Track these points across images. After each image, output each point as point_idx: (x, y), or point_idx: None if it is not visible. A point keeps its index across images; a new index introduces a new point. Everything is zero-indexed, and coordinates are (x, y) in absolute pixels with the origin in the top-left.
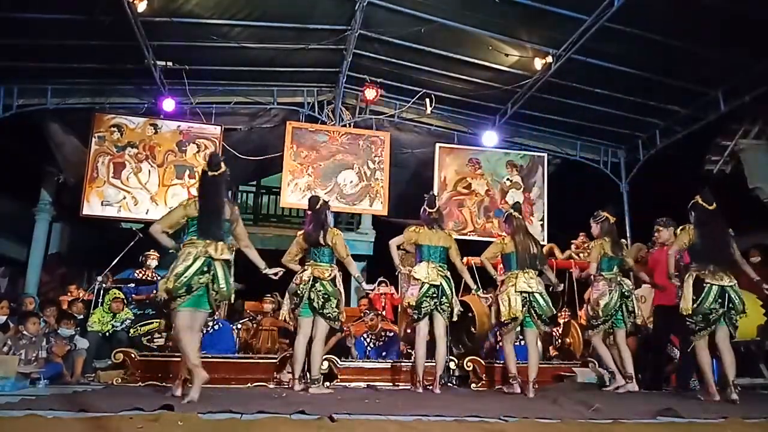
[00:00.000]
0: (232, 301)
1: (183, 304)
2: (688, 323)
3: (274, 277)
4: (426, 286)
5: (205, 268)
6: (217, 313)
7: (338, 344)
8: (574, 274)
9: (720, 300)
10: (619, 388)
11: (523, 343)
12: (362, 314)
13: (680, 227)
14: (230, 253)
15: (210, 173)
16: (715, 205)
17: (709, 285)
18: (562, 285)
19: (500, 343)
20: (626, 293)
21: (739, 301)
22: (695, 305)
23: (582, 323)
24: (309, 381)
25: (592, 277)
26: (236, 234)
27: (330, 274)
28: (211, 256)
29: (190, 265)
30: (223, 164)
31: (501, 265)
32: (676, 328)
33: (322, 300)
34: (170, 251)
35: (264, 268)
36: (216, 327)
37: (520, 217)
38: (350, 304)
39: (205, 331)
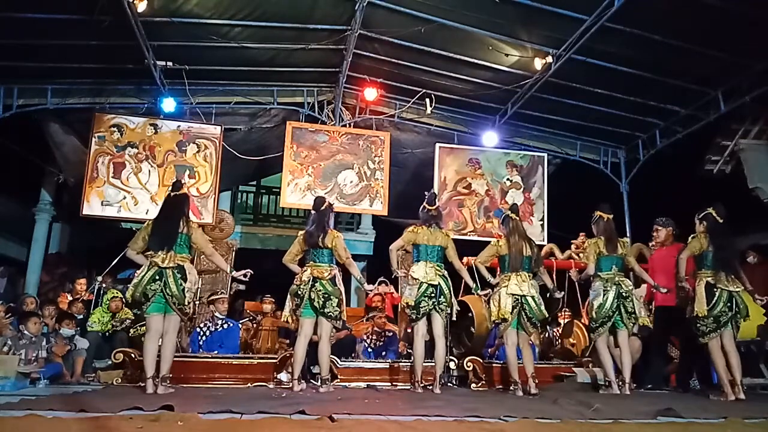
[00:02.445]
0: (185, 302)
1: (148, 311)
2: (699, 326)
3: (244, 279)
4: (424, 285)
5: (157, 277)
6: (216, 312)
7: (339, 344)
8: (572, 275)
9: (729, 304)
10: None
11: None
12: (371, 308)
13: (691, 235)
14: (182, 261)
15: (172, 194)
16: (725, 218)
17: (720, 290)
18: (563, 293)
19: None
20: (624, 293)
21: (744, 306)
22: (708, 308)
23: (586, 323)
24: (319, 381)
25: (591, 277)
26: (196, 245)
27: (329, 274)
28: (158, 265)
29: (143, 276)
30: (184, 187)
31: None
32: (676, 329)
33: (322, 299)
34: None
35: (231, 271)
36: (225, 326)
37: (517, 218)
38: (350, 304)
39: (214, 329)
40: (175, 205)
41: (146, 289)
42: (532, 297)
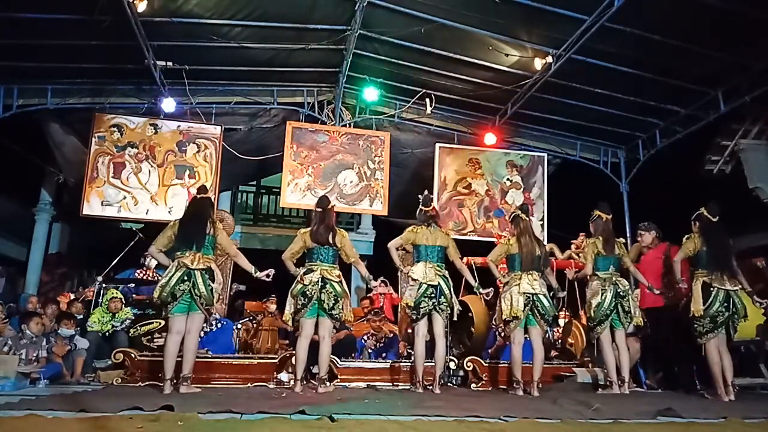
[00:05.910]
0: (213, 303)
1: (173, 311)
2: (696, 326)
3: (267, 279)
4: (424, 286)
5: (185, 278)
6: (215, 313)
7: (339, 344)
8: (568, 275)
9: (726, 304)
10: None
11: (527, 337)
12: (366, 313)
13: (686, 236)
14: (209, 262)
15: (198, 196)
16: (718, 217)
17: (716, 289)
18: (565, 293)
19: (501, 342)
20: (622, 293)
21: (741, 306)
22: (704, 308)
23: (584, 323)
24: (318, 381)
25: (588, 277)
26: (221, 246)
27: (338, 275)
28: (187, 266)
29: (171, 276)
30: (209, 192)
31: (502, 265)
32: (668, 330)
33: (333, 301)
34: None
35: (255, 272)
36: (219, 325)
37: (527, 219)
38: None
39: (209, 329)
40: (202, 207)
41: (174, 289)
42: (544, 295)
